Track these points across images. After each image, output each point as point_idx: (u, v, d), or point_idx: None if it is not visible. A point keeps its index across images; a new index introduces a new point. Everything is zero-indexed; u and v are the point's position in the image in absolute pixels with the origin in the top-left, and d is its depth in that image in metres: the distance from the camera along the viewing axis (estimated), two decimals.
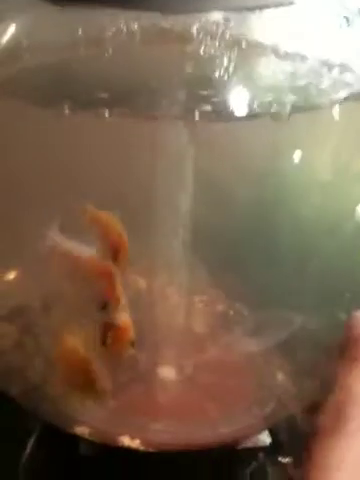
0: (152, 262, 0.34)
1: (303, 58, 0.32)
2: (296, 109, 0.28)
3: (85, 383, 0.31)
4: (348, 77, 0.31)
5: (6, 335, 0.37)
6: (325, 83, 0.31)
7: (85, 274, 0.30)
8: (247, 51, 0.31)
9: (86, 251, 0.30)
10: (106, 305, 0.29)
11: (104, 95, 0.28)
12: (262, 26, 0.33)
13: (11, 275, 0.37)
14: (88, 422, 0.35)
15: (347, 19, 0.36)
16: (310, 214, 0.31)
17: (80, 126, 0.29)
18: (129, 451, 0.36)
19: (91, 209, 0.29)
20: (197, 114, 0.28)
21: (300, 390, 0.38)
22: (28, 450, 0.39)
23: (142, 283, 0.39)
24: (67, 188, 0.31)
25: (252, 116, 0.28)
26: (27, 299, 0.38)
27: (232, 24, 0.29)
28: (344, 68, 0.33)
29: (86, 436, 0.35)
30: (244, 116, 0.28)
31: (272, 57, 0.32)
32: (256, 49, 0.31)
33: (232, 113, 0.28)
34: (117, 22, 0.29)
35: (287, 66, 0.31)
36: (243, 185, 0.31)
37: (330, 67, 0.31)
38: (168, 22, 0.29)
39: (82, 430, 0.35)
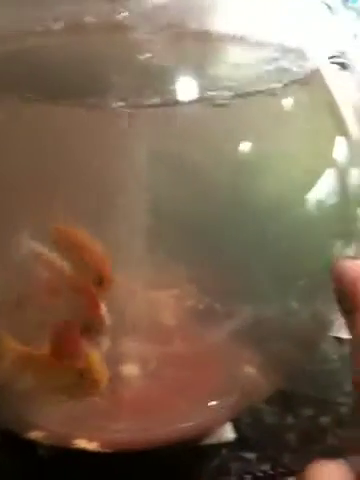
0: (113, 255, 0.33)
1: (252, 44, 0.31)
2: (238, 95, 0.27)
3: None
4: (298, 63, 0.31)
5: None
6: (272, 69, 0.30)
7: (68, 290, 0.29)
8: (193, 37, 0.30)
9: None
10: (89, 327, 0.28)
11: (48, 87, 0.27)
12: (219, 12, 0.33)
13: None
14: (42, 426, 0.33)
15: (329, 7, 0.35)
16: (260, 201, 0.31)
17: (27, 118, 0.27)
18: (89, 452, 0.35)
19: (63, 229, 0.28)
20: (138, 102, 0.27)
21: (265, 380, 0.37)
22: None
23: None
24: (23, 182, 0.30)
25: (194, 102, 0.28)
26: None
27: (173, 12, 0.28)
28: (298, 54, 0.32)
29: (41, 440, 0.34)
30: (186, 102, 0.27)
31: (217, 43, 0.31)
32: (203, 35, 0.31)
33: (173, 99, 0.28)
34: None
35: (233, 52, 0.31)
36: (191, 172, 0.30)
37: (282, 54, 0.31)
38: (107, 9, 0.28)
39: (36, 434, 0.34)
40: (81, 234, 0.28)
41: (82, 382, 0.29)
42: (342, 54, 0.57)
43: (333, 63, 0.58)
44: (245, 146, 0.30)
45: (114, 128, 0.27)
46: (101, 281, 0.28)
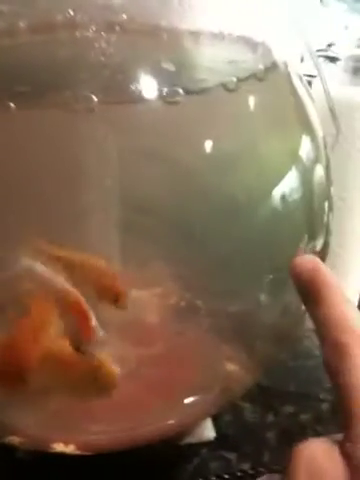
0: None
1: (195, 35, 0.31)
2: (189, 91, 0.27)
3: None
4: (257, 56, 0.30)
5: None
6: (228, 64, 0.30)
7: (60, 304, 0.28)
8: (149, 34, 0.30)
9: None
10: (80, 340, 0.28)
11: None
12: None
13: None
14: (19, 430, 0.33)
15: None
16: (224, 197, 0.30)
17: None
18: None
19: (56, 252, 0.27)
20: (93, 98, 0.27)
21: (243, 374, 0.37)
22: None
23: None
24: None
25: (144, 99, 0.28)
26: None
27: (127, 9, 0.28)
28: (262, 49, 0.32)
29: (18, 445, 0.34)
30: (137, 99, 0.27)
31: (174, 39, 0.31)
32: (158, 31, 0.30)
33: (127, 96, 0.27)
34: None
35: (190, 47, 0.30)
36: (152, 168, 0.30)
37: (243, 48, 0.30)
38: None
39: (13, 439, 0.33)
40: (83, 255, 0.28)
41: (96, 382, 0.29)
42: (330, 46, 0.57)
43: (320, 56, 0.58)
44: (202, 143, 0.30)
45: (73, 126, 0.27)
46: (117, 298, 0.29)
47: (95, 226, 0.30)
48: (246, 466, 0.38)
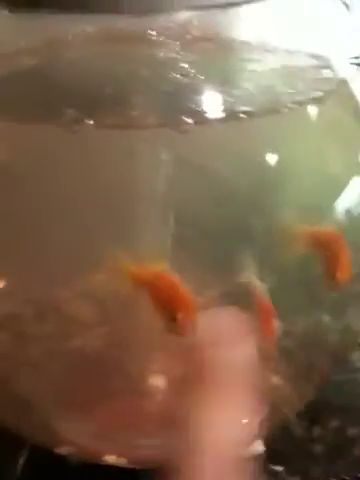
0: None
1: (273, 53, 0.31)
2: (266, 110, 0.27)
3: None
4: (326, 73, 0.30)
5: None
6: (301, 81, 0.30)
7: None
8: (219, 51, 0.30)
9: None
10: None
11: (68, 106, 0.27)
12: (241, 23, 0.32)
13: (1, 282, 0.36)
14: (72, 441, 0.34)
15: (346, 5, 0.34)
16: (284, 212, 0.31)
17: (48, 139, 0.27)
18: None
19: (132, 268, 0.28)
20: (164, 120, 0.27)
21: (294, 393, 0.37)
22: (19, 468, 0.38)
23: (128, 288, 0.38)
24: (49, 195, 0.30)
25: (222, 119, 0.28)
26: (18, 307, 0.37)
27: (196, 23, 0.28)
28: (324, 63, 0.32)
29: (71, 455, 0.34)
30: (213, 119, 0.27)
31: (245, 55, 0.31)
32: (229, 48, 0.30)
33: (200, 116, 0.28)
34: (79, 28, 0.28)
35: (262, 64, 0.30)
36: (219, 187, 0.30)
37: (309, 64, 0.30)
38: (128, 24, 0.28)
39: (66, 449, 0.34)
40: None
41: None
42: None
43: (353, 64, 0.57)
44: (270, 159, 0.30)
45: (145, 148, 0.27)
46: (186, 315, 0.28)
47: (149, 238, 0.31)
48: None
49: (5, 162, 0.29)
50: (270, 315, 0.29)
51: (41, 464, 0.38)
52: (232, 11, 0.30)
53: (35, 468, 0.38)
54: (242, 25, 0.32)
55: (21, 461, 0.38)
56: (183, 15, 0.28)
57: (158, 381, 0.36)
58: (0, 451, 0.39)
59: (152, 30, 0.28)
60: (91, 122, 0.26)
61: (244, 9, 0.30)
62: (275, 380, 0.36)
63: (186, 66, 0.28)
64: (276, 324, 0.29)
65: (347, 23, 0.36)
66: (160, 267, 0.27)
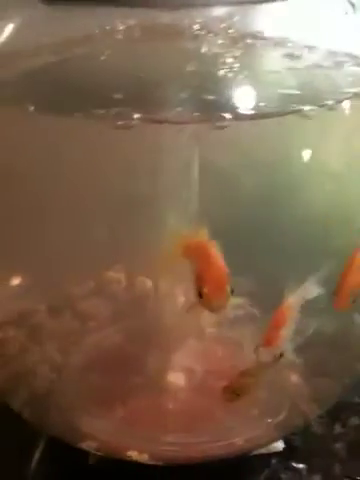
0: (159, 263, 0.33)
1: (311, 50, 0.30)
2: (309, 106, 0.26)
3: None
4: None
5: (12, 341, 0.36)
6: (334, 77, 0.29)
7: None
8: (253, 46, 0.29)
9: None
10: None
11: (106, 98, 0.27)
12: (267, 19, 0.32)
13: (17, 279, 0.36)
14: (95, 436, 0.33)
15: (353, 5, 0.34)
16: (319, 210, 0.30)
17: (85, 131, 0.27)
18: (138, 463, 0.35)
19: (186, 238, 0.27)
20: (201, 115, 0.26)
21: (315, 394, 0.37)
22: (34, 463, 0.38)
23: (148, 284, 0.38)
24: (73, 192, 0.30)
25: (258, 115, 0.27)
26: (33, 303, 0.37)
27: (236, 18, 0.28)
28: (355, 60, 0.31)
29: (93, 451, 0.34)
30: (250, 115, 0.27)
31: (279, 52, 0.31)
32: (262, 44, 0.30)
33: (238, 113, 0.27)
34: (115, 21, 0.28)
35: (294, 61, 0.30)
36: (252, 184, 0.30)
37: (340, 60, 0.30)
38: (168, 19, 0.27)
39: (89, 444, 0.34)
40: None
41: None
42: None
43: None
44: (311, 157, 0.30)
45: (180, 143, 0.27)
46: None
47: None
48: (317, 477, 0.38)
49: (40, 157, 0.29)
50: (280, 325, 0.29)
51: (57, 456, 0.38)
52: (257, 8, 0.30)
53: (51, 460, 0.38)
54: (265, 22, 0.32)
55: (37, 453, 0.38)
56: (218, 11, 0.28)
57: (178, 378, 0.36)
58: (17, 442, 0.39)
59: (192, 24, 0.28)
60: (135, 116, 0.25)
61: (266, 7, 0.30)
62: (295, 379, 0.36)
63: (229, 61, 0.27)
64: (284, 335, 0.29)
65: (352, 23, 0.35)
66: (202, 236, 0.27)
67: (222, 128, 0.27)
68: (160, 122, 0.26)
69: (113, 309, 0.38)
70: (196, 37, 0.28)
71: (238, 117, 0.27)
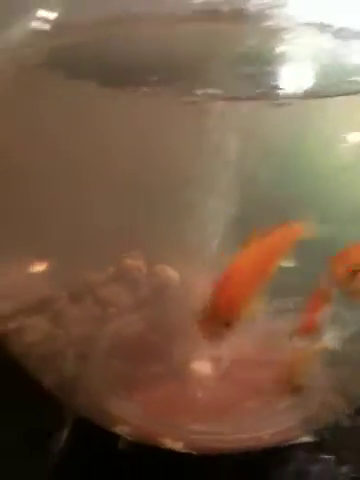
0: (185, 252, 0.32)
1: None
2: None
3: None
4: None
5: (36, 326, 0.36)
6: None
7: None
8: (299, 29, 0.29)
9: None
10: None
11: (152, 75, 0.26)
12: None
13: (39, 266, 0.36)
14: (128, 421, 0.33)
15: None
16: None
17: (128, 106, 0.26)
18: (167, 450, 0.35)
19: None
20: (247, 94, 0.26)
21: (345, 386, 0.36)
22: (61, 443, 0.38)
23: (172, 273, 0.37)
24: (107, 172, 0.29)
25: (302, 96, 0.27)
26: (56, 290, 0.37)
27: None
28: None
29: (125, 435, 0.34)
30: (294, 95, 0.27)
31: (328, 35, 0.30)
32: (309, 27, 0.29)
33: (284, 93, 0.27)
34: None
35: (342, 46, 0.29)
36: (296, 163, 0.29)
37: None
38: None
39: (122, 429, 0.33)
40: None
41: None
42: None
43: None
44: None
45: (227, 120, 0.26)
46: None
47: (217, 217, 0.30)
48: (345, 469, 0.37)
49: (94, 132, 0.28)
50: (315, 312, 0.28)
51: (85, 436, 0.38)
52: None
53: (80, 440, 0.38)
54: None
55: (66, 432, 0.38)
56: None
57: (205, 367, 0.36)
58: (46, 421, 0.39)
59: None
60: (199, 93, 0.25)
61: None
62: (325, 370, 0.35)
63: (284, 41, 0.27)
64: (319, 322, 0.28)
65: None
66: None
67: (282, 105, 0.26)
68: (225, 99, 0.25)
69: (136, 296, 0.38)
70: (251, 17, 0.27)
71: (303, 95, 0.26)
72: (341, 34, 0.30)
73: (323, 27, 0.31)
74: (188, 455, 0.34)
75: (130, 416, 0.33)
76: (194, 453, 0.33)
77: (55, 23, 0.29)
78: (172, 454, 0.34)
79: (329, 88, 0.27)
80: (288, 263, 0.29)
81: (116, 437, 0.36)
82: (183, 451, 0.33)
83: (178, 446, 0.33)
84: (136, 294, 0.38)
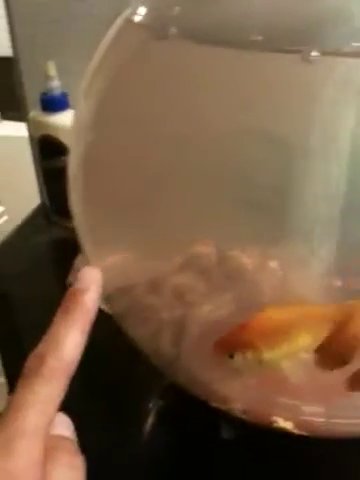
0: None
1: None
2: None
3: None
4: None
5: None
6: None
7: None
8: None
9: None
10: None
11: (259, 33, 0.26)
12: None
13: (122, 253, 0.36)
14: (241, 400, 0.34)
15: None
16: None
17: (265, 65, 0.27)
18: (267, 437, 0.35)
19: None
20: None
21: None
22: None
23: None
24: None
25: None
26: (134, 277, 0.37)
27: None
28: None
29: (238, 414, 0.34)
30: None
31: None
32: None
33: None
34: None
35: None
36: None
37: None
38: None
39: (235, 407, 0.34)
40: None
41: None
42: None
43: None
44: None
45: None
46: None
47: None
48: None
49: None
50: None
51: (175, 408, 0.38)
52: None
53: (169, 411, 0.38)
54: None
55: (155, 403, 0.38)
56: None
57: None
58: (135, 392, 0.39)
59: None
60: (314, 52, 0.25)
61: None
62: None
63: None
64: None
65: None
66: None
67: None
68: (343, 55, 0.25)
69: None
70: None
71: None
72: None
73: None
74: (281, 443, 0.34)
75: (245, 397, 0.34)
76: (305, 434, 0.33)
77: None
78: (272, 439, 0.34)
79: None
80: None
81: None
82: (295, 432, 0.33)
83: (289, 426, 0.33)
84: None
